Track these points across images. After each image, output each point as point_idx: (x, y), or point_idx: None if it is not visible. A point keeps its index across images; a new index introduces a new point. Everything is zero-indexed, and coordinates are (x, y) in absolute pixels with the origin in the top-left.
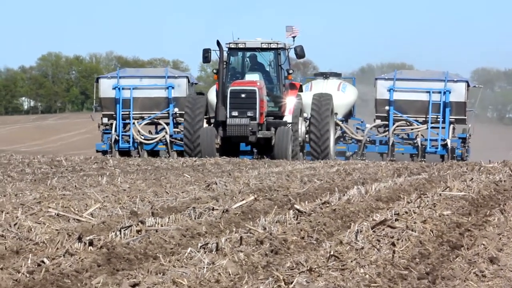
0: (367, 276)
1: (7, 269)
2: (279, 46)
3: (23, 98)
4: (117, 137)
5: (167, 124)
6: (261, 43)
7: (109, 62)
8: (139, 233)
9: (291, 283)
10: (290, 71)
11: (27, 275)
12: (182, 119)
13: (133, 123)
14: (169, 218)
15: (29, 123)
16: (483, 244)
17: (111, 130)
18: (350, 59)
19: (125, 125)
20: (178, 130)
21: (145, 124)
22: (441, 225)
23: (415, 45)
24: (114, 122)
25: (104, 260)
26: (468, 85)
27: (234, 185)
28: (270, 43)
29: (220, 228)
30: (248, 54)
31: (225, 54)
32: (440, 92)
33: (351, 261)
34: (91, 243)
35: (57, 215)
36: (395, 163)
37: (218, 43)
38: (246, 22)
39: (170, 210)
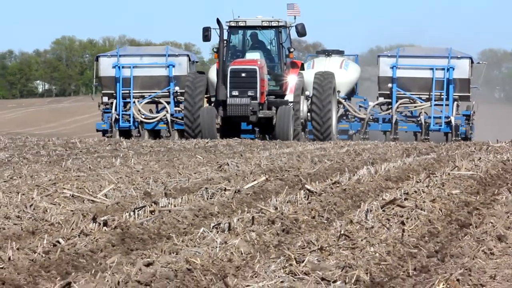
0: (377, 254)
1: (23, 249)
2: (280, 24)
3: (38, 81)
4: (117, 116)
5: (168, 103)
6: (262, 21)
7: (122, 46)
8: (153, 213)
9: (303, 261)
10: (291, 49)
11: (43, 255)
12: (183, 98)
13: (134, 102)
14: (182, 198)
15: (44, 106)
16: (491, 223)
17: (111, 109)
18: (359, 41)
19: (125, 104)
20: (179, 109)
21: (146, 103)
22: (449, 204)
23: (422, 27)
24: (114, 101)
25: (118, 240)
26: (472, 62)
27: (246, 166)
28: (271, 21)
29: (232, 208)
30: (248, 32)
31: (225, 32)
32: (443, 69)
33: (361, 240)
34: (105, 224)
35: (72, 196)
36: (404, 143)
37: (218, 21)
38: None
39: (183, 190)
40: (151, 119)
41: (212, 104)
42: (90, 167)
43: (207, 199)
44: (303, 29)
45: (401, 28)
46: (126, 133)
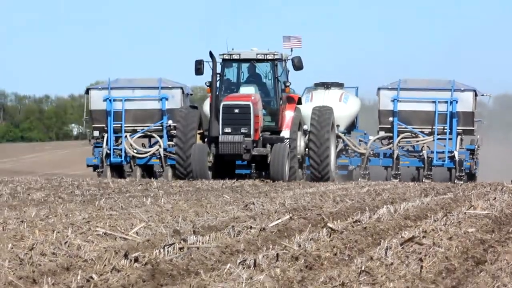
0: None
1: (58, 284)
2: (276, 57)
3: (73, 124)
4: (108, 151)
5: (161, 137)
6: (257, 53)
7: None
8: (182, 250)
9: None
10: (288, 84)
11: None
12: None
13: (125, 136)
14: (209, 236)
15: (78, 148)
16: (506, 260)
17: (102, 143)
18: (359, 73)
19: (117, 138)
20: (172, 143)
21: (138, 137)
22: (466, 242)
23: (429, 68)
24: (106, 135)
25: (148, 276)
26: (476, 94)
27: (271, 205)
28: (266, 54)
29: (257, 246)
30: (243, 65)
31: (219, 65)
32: (446, 102)
33: (381, 276)
34: (136, 260)
35: (105, 233)
36: (422, 183)
37: (211, 54)
38: (242, 31)
39: (210, 228)
40: (144, 154)
41: (206, 140)
42: (122, 206)
43: (234, 236)
44: (300, 62)
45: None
46: (117, 169)
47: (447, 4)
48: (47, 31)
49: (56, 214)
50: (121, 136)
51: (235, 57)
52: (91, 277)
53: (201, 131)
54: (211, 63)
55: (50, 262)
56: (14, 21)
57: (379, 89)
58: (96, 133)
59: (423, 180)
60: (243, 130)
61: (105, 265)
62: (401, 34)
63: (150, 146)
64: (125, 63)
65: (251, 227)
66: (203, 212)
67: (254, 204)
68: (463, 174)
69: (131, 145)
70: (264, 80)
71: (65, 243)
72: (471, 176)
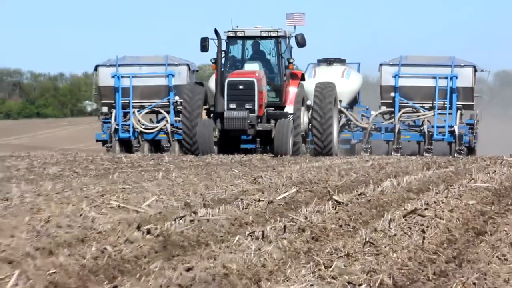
0: (399, 260)
1: (74, 255)
2: (279, 34)
3: (87, 101)
4: (116, 127)
5: (168, 112)
6: (261, 31)
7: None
8: (192, 222)
9: (330, 266)
10: (291, 60)
11: (92, 260)
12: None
13: (133, 112)
14: (219, 208)
15: (92, 124)
16: (505, 231)
17: (111, 119)
18: (361, 48)
19: (125, 114)
20: (179, 118)
21: (146, 113)
22: (466, 214)
23: (432, 46)
24: (114, 111)
25: (160, 247)
26: (475, 70)
27: (278, 179)
28: (270, 31)
29: (265, 218)
30: (247, 42)
31: (224, 43)
32: (446, 78)
33: (385, 247)
34: (149, 232)
35: (118, 206)
36: (424, 157)
37: (216, 32)
38: (246, 9)
39: (220, 201)
40: (151, 129)
41: (212, 115)
42: (134, 180)
43: (242, 209)
44: (303, 39)
45: (410, 43)
46: (125, 144)
47: None
48: (60, 11)
49: (71, 188)
50: (129, 112)
51: (239, 34)
52: (105, 248)
53: (206, 107)
54: (216, 40)
55: (65, 234)
56: (30, 1)
57: (381, 65)
58: (104, 109)
59: (424, 154)
60: (247, 106)
61: (118, 237)
62: (403, 11)
63: (158, 122)
64: (134, 41)
65: (259, 200)
66: (212, 185)
67: (262, 177)
68: (463, 148)
69: (138, 120)
70: (268, 57)
71: (80, 215)
72: (471, 150)
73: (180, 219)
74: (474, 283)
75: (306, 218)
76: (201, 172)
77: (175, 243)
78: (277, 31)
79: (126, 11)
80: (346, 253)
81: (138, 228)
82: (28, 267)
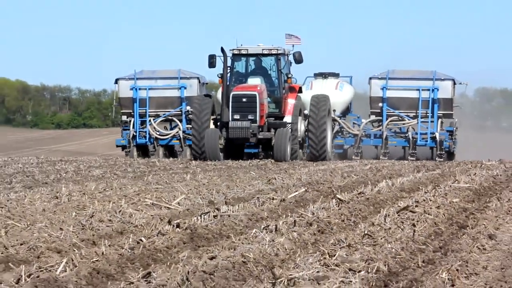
0: (393, 250)
1: (114, 246)
2: (279, 52)
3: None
4: (134, 133)
5: (180, 121)
6: (263, 49)
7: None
8: (215, 217)
9: (334, 255)
10: (290, 75)
11: (129, 250)
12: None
13: (149, 121)
14: (238, 205)
15: None
16: (484, 224)
17: (130, 126)
18: (354, 63)
19: (142, 122)
20: (190, 126)
21: (160, 121)
22: (451, 210)
23: (416, 60)
24: (132, 120)
25: (188, 239)
26: (455, 83)
27: (289, 180)
28: (271, 49)
29: (278, 213)
30: (250, 59)
31: (229, 59)
32: (428, 90)
33: (381, 239)
34: (178, 226)
35: (152, 204)
36: (415, 161)
37: (222, 50)
38: (250, 29)
39: (239, 199)
40: (165, 136)
41: (218, 124)
42: (166, 181)
43: (258, 206)
44: (300, 56)
45: (394, 58)
46: (142, 148)
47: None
48: (104, 36)
49: (112, 188)
50: (146, 120)
51: (243, 52)
52: (141, 240)
53: (214, 117)
54: (222, 58)
55: (106, 227)
56: (78, 26)
57: (370, 78)
58: (124, 118)
59: (409, 158)
60: (250, 117)
61: (152, 230)
62: (390, 30)
63: (171, 129)
64: (151, 56)
65: (273, 198)
66: (233, 185)
67: (275, 179)
68: (443, 152)
69: (154, 128)
70: (269, 72)
71: (119, 211)
72: (450, 155)
73: (205, 214)
74: (457, 270)
75: (313, 213)
76: (223, 174)
77: (200, 235)
78: (277, 49)
79: (145, 29)
80: (347, 244)
81: (169, 222)
82: (74, 255)
